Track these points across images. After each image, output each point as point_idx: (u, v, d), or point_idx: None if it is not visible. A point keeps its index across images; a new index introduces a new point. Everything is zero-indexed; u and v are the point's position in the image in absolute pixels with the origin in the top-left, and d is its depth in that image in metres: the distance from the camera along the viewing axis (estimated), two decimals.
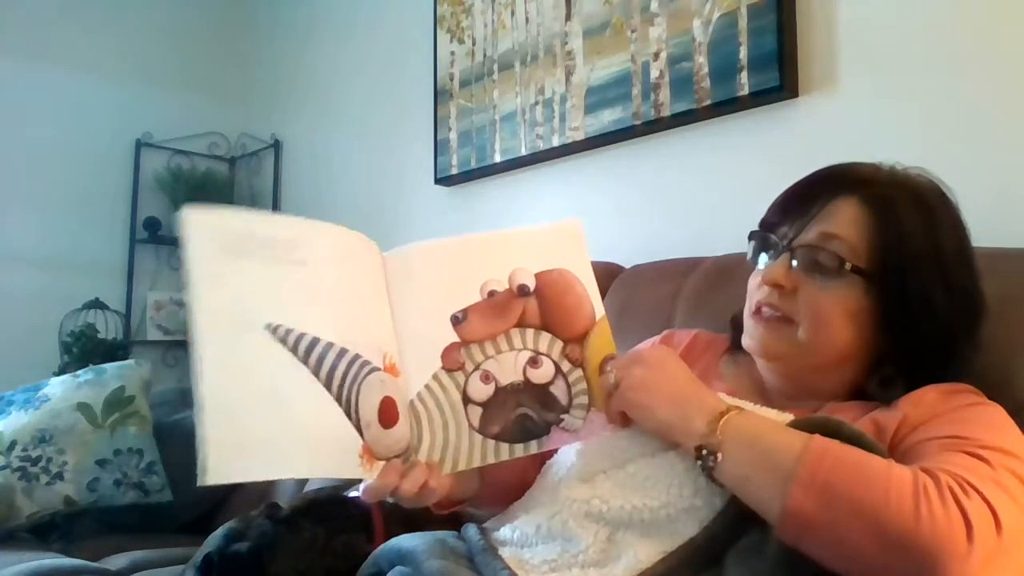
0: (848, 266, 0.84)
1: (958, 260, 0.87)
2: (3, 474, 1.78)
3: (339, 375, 0.74)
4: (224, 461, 0.66)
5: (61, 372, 2.35)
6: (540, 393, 0.83)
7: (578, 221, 0.88)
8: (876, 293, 0.84)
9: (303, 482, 1.87)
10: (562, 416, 0.83)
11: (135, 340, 2.86)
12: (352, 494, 1.20)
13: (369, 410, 0.75)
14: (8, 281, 2.64)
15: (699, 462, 0.73)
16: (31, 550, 1.66)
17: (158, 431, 2.01)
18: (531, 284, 0.83)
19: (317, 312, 0.75)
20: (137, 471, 1.90)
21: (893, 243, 0.84)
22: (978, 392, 0.83)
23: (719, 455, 0.71)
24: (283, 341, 0.72)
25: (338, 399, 0.74)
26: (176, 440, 2.04)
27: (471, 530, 0.88)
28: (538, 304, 0.83)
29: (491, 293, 0.83)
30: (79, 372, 2.04)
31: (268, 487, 1.96)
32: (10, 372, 2.34)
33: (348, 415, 0.74)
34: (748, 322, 0.91)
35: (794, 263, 0.86)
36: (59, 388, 1.97)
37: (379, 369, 0.78)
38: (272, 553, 1.03)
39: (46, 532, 1.83)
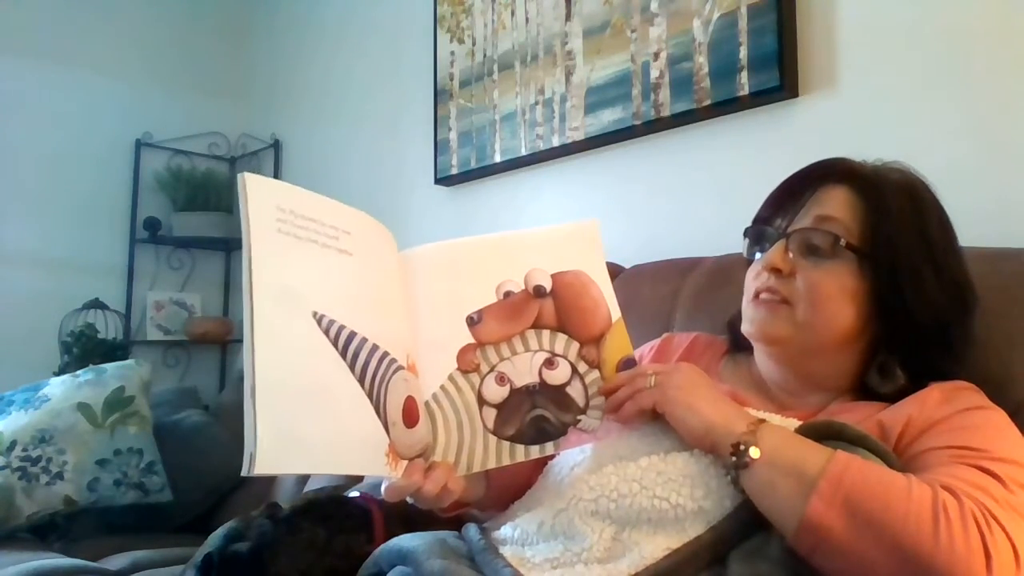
0: (843, 242, 0.85)
1: (945, 246, 0.89)
2: (3, 474, 1.78)
3: (371, 372, 0.73)
4: (274, 451, 0.63)
5: (61, 372, 2.35)
6: (556, 394, 0.82)
7: (595, 222, 0.88)
8: (870, 272, 0.86)
9: (303, 482, 1.87)
10: (579, 417, 0.83)
11: (135, 340, 2.86)
12: (352, 494, 1.20)
13: (395, 409, 0.75)
14: (8, 281, 2.64)
15: (733, 458, 0.73)
16: (31, 550, 1.67)
17: (158, 431, 2.01)
18: (547, 285, 0.83)
19: (356, 305, 0.74)
20: (137, 471, 1.90)
21: (883, 223, 0.86)
22: (979, 391, 0.84)
23: (756, 451, 0.72)
24: (326, 332, 0.70)
25: (369, 396, 0.73)
26: (176, 440, 2.05)
27: (471, 530, 0.88)
28: (554, 305, 0.83)
29: (507, 294, 0.83)
30: (79, 372, 2.04)
31: (268, 487, 1.96)
32: (10, 372, 2.34)
33: (377, 412, 0.73)
34: (747, 308, 0.92)
35: (790, 248, 0.88)
36: (59, 388, 1.97)
37: (403, 368, 0.77)
38: (272, 553, 1.03)
39: (46, 532, 1.83)
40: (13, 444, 1.82)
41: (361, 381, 0.72)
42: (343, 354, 0.71)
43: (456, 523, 0.92)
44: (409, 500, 0.79)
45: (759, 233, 0.94)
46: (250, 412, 0.62)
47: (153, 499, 1.91)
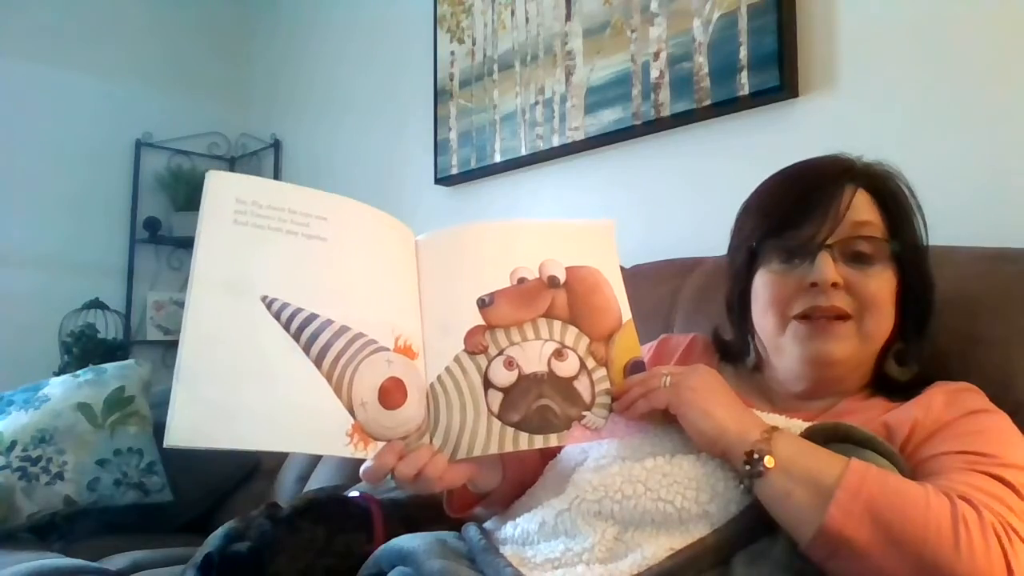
0: (896, 248, 0.87)
1: (925, 229, 0.92)
2: (3, 474, 1.77)
3: (333, 353, 0.73)
4: (190, 424, 0.66)
5: (61, 372, 2.35)
6: (564, 387, 0.81)
7: (611, 222, 0.87)
8: (898, 270, 0.88)
9: (303, 482, 1.87)
10: (584, 413, 0.81)
11: (135, 340, 2.86)
12: (352, 494, 1.20)
13: (367, 389, 0.75)
14: (8, 281, 2.64)
15: (747, 467, 0.72)
16: (31, 550, 1.66)
17: (158, 431, 1.99)
18: (561, 276, 0.82)
19: (325, 287, 0.75)
20: (137, 471, 1.89)
21: (899, 221, 0.88)
22: (981, 392, 0.84)
23: (770, 460, 0.71)
24: (276, 316, 0.72)
25: (328, 377, 0.73)
26: None
27: (472, 530, 0.87)
28: (567, 298, 0.82)
29: (521, 280, 0.82)
30: (79, 372, 2.04)
31: (268, 487, 1.96)
32: (10, 372, 2.34)
33: (338, 393, 0.73)
34: (790, 329, 0.88)
35: (836, 259, 0.85)
36: (59, 388, 1.97)
37: (387, 349, 0.77)
38: (272, 553, 1.03)
39: (46, 532, 1.83)
40: (13, 444, 1.82)
41: (319, 362, 0.73)
42: (296, 336, 0.72)
43: (457, 523, 0.92)
44: (392, 485, 0.78)
45: (792, 246, 0.88)
46: (174, 387, 0.67)
47: (153, 499, 1.91)
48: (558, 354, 0.81)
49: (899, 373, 0.89)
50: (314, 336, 0.73)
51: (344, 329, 0.74)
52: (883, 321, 0.87)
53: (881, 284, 0.86)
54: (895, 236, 0.88)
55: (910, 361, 0.89)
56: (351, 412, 0.74)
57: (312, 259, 0.75)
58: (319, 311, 0.74)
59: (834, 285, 0.84)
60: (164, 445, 0.66)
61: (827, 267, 0.84)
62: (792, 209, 0.89)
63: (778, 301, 0.88)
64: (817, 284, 0.85)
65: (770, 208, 0.92)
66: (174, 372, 0.67)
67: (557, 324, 0.82)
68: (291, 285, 0.73)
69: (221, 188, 0.72)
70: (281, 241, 0.74)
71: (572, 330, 0.82)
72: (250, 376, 0.70)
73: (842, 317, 0.85)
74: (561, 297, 0.82)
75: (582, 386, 0.81)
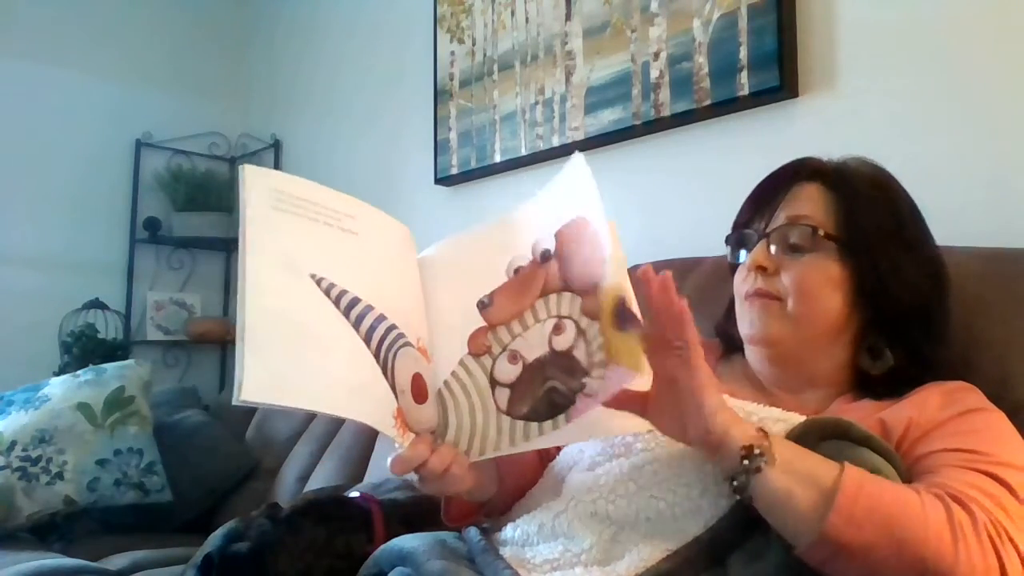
0: (820, 233, 0.88)
1: (916, 230, 0.92)
2: (3, 474, 1.78)
3: (378, 336, 0.75)
4: (259, 383, 0.67)
5: (61, 372, 2.35)
6: (564, 360, 0.79)
7: (578, 155, 0.83)
8: (850, 260, 0.89)
9: (303, 482, 1.87)
10: (584, 380, 0.77)
11: (135, 340, 2.86)
12: (352, 494, 1.20)
13: (404, 378, 0.76)
14: (8, 281, 2.64)
15: (745, 461, 0.69)
16: (31, 550, 1.67)
17: (158, 431, 2.01)
18: (552, 246, 0.81)
19: (361, 280, 0.77)
20: (137, 471, 1.90)
21: (855, 212, 0.90)
22: (978, 391, 0.84)
23: (771, 458, 0.69)
24: (327, 293, 0.74)
25: (376, 356, 0.75)
26: (176, 440, 2.05)
27: (472, 531, 0.88)
28: (558, 264, 0.80)
29: (517, 270, 0.82)
30: (79, 372, 2.04)
31: (268, 487, 1.97)
32: (10, 372, 2.34)
33: (384, 374, 0.75)
34: (741, 311, 0.94)
35: (772, 248, 0.91)
36: (59, 388, 1.97)
37: (412, 346, 0.79)
38: (272, 553, 1.03)
39: (46, 532, 1.83)
40: (13, 444, 1.82)
41: (367, 341, 0.75)
42: (346, 315, 0.74)
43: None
44: (415, 479, 0.78)
45: (740, 237, 0.97)
46: (240, 349, 0.67)
47: (153, 499, 1.91)
48: (557, 329, 0.80)
49: (871, 367, 0.89)
50: (360, 317, 0.75)
51: (383, 316, 0.77)
52: (814, 306, 0.88)
53: (809, 271, 0.88)
54: (846, 229, 0.89)
55: (884, 355, 0.89)
56: (395, 395, 0.76)
57: (347, 250, 0.78)
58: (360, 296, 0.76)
59: (761, 268, 0.90)
60: (232, 403, 0.67)
61: (756, 252, 0.91)
62: (749, 205, 0.97)
63: (737, 288, 0.95)
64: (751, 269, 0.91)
65: (741, 207, 0.99)
66: (238, 335, 0.68)
67: (553, 298, 0.81)
68: (333, 269, 0.75)
69: (256, 179, 0.75)
70: (319, 230, 0.76)
71: (566, 296, 0.80)
72: (312, 343, 0.72)
73: (773, 298, 0.89)
74: (552, 268, 0.80)
75: (580, 352, 0.78)
